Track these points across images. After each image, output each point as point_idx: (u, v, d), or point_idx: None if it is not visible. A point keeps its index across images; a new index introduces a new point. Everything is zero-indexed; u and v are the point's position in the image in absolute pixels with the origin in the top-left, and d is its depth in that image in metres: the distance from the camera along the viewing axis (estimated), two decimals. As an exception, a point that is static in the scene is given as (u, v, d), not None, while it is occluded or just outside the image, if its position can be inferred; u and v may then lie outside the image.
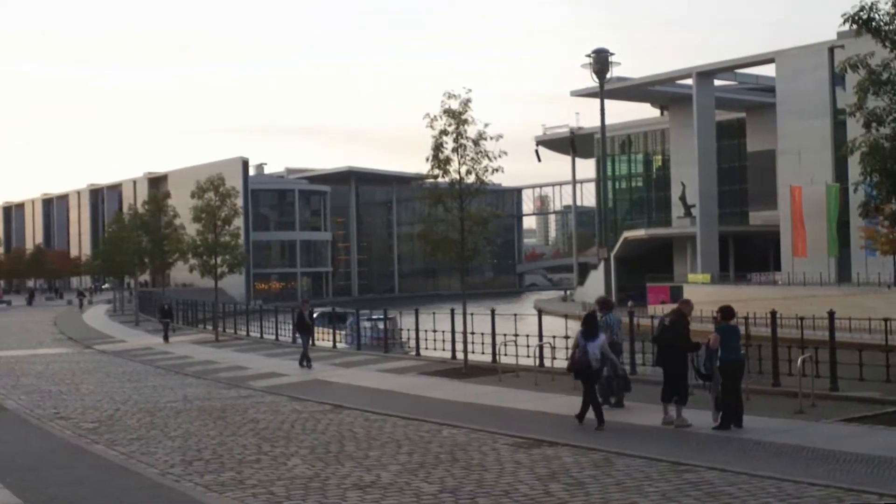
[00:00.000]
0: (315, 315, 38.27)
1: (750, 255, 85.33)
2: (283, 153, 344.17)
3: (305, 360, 30.94)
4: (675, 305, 18.56)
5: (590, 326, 18.40)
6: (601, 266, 27.89)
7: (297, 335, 32.06)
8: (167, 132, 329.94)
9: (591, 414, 17.90)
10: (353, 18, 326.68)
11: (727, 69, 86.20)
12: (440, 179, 28.70)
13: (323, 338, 40.22)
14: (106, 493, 12.72)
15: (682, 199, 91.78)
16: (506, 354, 28.26)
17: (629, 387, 20.20)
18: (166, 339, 44.81)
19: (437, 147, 27.42)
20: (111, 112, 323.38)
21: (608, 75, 22.80)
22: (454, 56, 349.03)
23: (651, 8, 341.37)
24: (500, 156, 27.15)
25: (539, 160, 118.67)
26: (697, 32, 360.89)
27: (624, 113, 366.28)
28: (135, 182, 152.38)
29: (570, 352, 19.49)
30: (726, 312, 17.39)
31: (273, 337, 43.85)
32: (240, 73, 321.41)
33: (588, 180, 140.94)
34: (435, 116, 27.21)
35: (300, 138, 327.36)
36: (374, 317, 42.77)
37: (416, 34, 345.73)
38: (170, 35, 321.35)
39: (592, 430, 17.21)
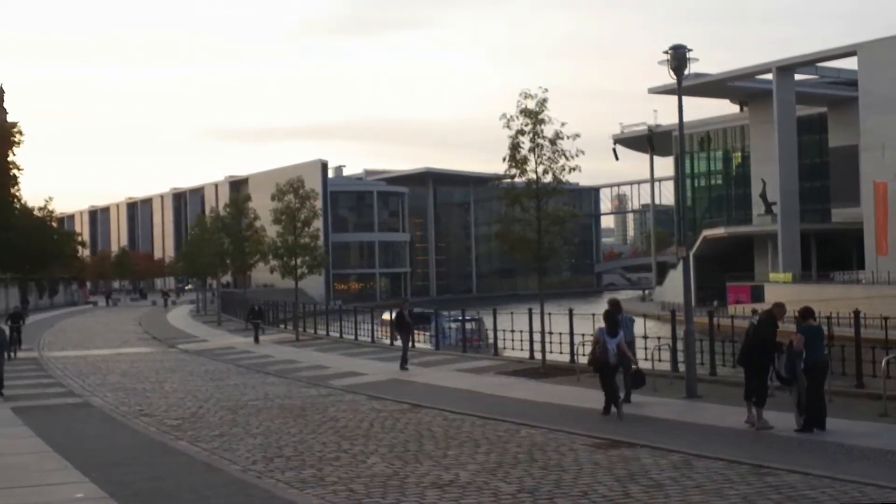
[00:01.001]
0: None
1: (832, 253, 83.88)
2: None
3: (403, 362, 29.77)
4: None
5: (612, 324, 19.54)
6: (680, 265, 27.59)
7: (397, 335, 31.22)
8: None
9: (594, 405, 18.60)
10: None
11: (807, 63, 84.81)
12: (517, 179, 28.62)
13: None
14: (189, 488, 12.97)
15: (763, 196, 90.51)
16: (584, 354, 27.99)
17: (644, 381, 20.85)
18: (256, 339, 44.11)
19: (514, 147, 27.38)
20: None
21: (686, 71, 22.47)
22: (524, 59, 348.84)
23: (728, 1, 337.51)
24: (577, 155, 27.06)
25: (617, 158, 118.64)
26: (776, 26, 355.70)
27: (703, 109, 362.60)
28: (216, 185, 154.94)
29: (591, 347, 20.46)
30: (805, 312, 17.16)
31: (352, 337, 44.17)
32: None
33: (666, 178, 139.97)
34: (511, 116, 27.22)
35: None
36: (460, 318, 42.43)
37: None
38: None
39: (670, 431, 17.09)
